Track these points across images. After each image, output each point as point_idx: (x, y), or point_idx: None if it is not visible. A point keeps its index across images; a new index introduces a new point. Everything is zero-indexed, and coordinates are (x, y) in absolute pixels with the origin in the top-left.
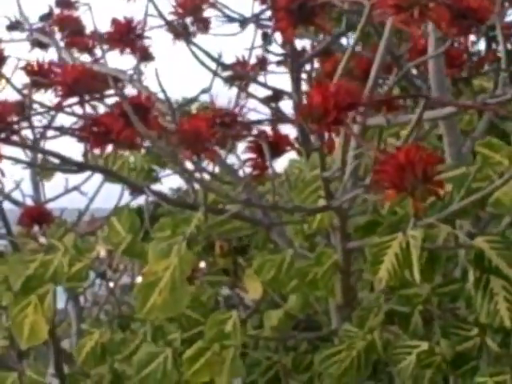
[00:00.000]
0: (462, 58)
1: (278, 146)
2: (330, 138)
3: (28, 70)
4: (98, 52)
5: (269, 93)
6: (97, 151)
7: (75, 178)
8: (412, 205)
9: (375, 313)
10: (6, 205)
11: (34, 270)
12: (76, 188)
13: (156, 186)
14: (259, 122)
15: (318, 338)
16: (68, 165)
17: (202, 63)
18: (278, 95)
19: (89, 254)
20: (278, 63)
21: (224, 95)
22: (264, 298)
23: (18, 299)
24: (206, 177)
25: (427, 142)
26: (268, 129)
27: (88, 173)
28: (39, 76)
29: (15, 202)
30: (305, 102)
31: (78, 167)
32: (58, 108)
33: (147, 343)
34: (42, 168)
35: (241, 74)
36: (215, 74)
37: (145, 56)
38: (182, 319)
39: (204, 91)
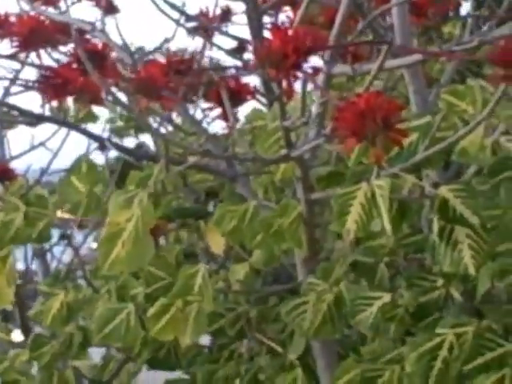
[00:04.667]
0: (427, 5)
1: (239, 94)
2: (289, 84)
3: None
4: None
5: (234, 44)
6: (54, 103)
7: (42, 135)
8: (373, 154)
9: (340, 264)
10: None
11: None
12: (42, 144)
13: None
14: (215, 69)
15: (286, 292)
16: (27, 117)
17: (165, 13)
18: (243, 46)
19: (50, 212)
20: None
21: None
22: (229, 252)
23: None
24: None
25: (396, 91)
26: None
27: (54, 128)
28: None
29: None
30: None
31: (37, 119)
32: (12, 58)
33: (108, 299)
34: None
35: (205, 25)
36: (178, 23)
37: (109, 8)
38: (148, 277)
39: (167, 41)
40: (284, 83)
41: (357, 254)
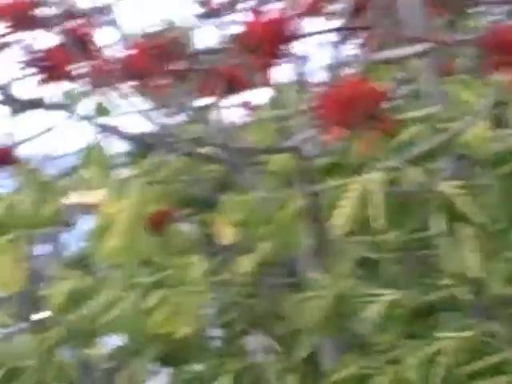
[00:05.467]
0: None
1: (234, 82)
2: (267, 72)
3: None
4: None
5: None
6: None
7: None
8: (359, 144)
9: (345, 259)
10: None
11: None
12: (51, 129)
13: None
14: (198, 53)
15: (291, 286)
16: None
17: None
18: None
19: (58, 198)
20: None
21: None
22: (237, 242)
23: None
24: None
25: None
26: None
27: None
28: None
29: None
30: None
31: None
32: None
33: (110, 287)
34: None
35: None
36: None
37: None
38: (154, 265)
39: (170, 23)
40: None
41: (362, 250)
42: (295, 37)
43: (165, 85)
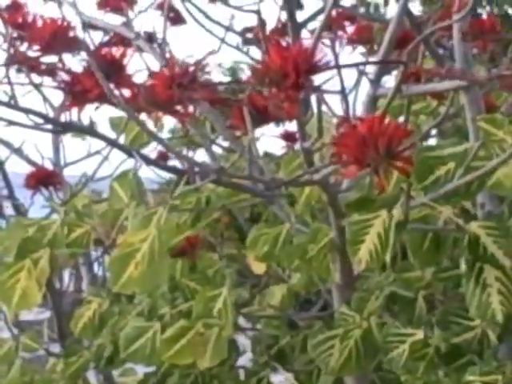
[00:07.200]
0: (488, 29)
1: (264, 112)
2: (291, 105)
3: (11, 21)
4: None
5: None
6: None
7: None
8: (376, 183)
9: (376, 296)
10: (11, 168)
11: (31, 234)
12: (98, 152)
13: None
14: (221, 84)
15: (320, 319)
16: (53, 125)
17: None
18: None
19: (91, 220)
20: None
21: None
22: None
23: (11, 263)
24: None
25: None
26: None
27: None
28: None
29: (33, 165)
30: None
31: (63, 127)
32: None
33: (136, 317)
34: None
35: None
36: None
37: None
38: (186, 291)
39: (211, 53)
40: (287, 104)
41: (394, 286)
42: (322, 68)
43: (190, 114)
